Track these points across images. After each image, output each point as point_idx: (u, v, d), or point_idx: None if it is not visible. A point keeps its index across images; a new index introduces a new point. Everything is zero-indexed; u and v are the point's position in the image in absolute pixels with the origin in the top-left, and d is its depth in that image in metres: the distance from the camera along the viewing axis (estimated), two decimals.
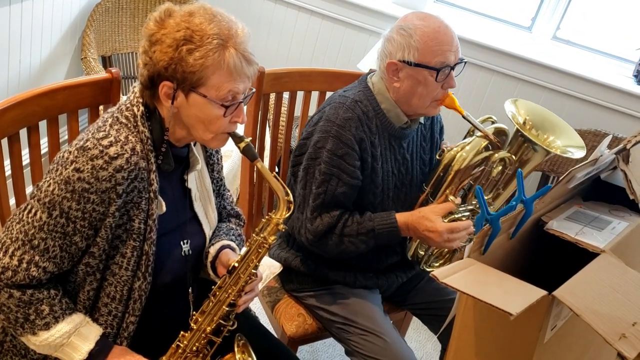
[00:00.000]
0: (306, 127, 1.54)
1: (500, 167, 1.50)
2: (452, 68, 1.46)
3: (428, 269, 1.64)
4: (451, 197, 1.49)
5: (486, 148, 1.49)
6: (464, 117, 1.47)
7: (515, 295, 0.92)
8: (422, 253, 1.62)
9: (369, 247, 1.51)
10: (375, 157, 1.50)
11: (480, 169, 1.51)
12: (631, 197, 1.20)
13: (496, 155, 1.48)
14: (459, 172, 1.48)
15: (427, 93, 1.46)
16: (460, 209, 1.52)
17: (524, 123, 1.54)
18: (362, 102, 1.49)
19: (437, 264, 1.65)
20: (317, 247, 1.52)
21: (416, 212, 1.50)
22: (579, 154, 1.49)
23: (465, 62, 1.50)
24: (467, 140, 1.51)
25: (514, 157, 1.49)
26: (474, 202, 1.54)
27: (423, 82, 1.44)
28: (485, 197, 1.54)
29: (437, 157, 1.54)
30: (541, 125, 1.55)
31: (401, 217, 1.49)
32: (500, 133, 1.53)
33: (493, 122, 1.56)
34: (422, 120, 1.60)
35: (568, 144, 1.52)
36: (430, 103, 1.48)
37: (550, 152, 1.48)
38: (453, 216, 1.51)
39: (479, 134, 1.48)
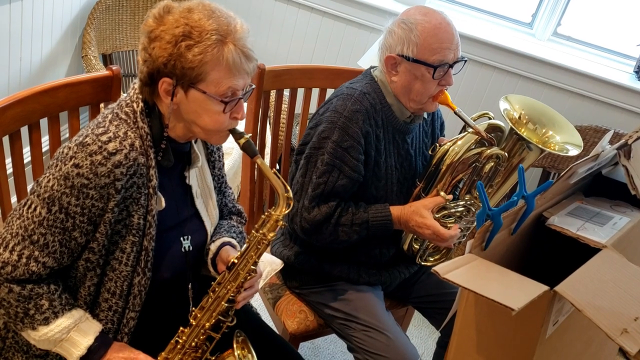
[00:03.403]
0: (312, 119, 1.54)
1: (492, 164, 1.49)
2: (451, 66, 1.45)
3: (424, 264, 1.64)
4: (442, 193, 1.49)
5: (481, 144, 1.49)
6: (455, 113, 1.47)
7: (516, 290, 0.92)
8: (417, 247, 1.61)
9: (361, 238, 1.52)
10: (379, 151, 1.50)
11: (473, 165, 1.50)
12: (633, 192, 1.20)
13: (488, 151, 1.47)
14: (451, 166, 1.47)
15: (424, 89, 1.46)
16: (452, 204, 1.52)
17: (520, 118, 1.53)
18: (370, 94, 1.49)
19: (433, 259, 1.65)
20: (311, 235, 1.51)
21: (407, 207, 1.50)
22: (574, 152, 1.48)
23: (466, 61, 1.49)
24: (460, 135, 1.51)
25: (505, 154, 1.49)
26: (467, 198, 1.54)
27: (420, 78, 1.44)
28: (478, 194, 1.54)
29: (430, 152, 1.54)
30: (538, 119, 1.54)
31: (394, 210, 1.50)
32: (495, 129, 1.52)
33: (490, 119, 1.55)
34: (425, 115, 1.59)
35: (566, 141, 1.52)
36: (427, 99, 1.48)
37: (545, 150, 1.47)
38: (446, 212, 1.51)
39: (471, 129, 1.48)
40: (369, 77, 1.54)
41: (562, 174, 1.14)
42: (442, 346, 1.77)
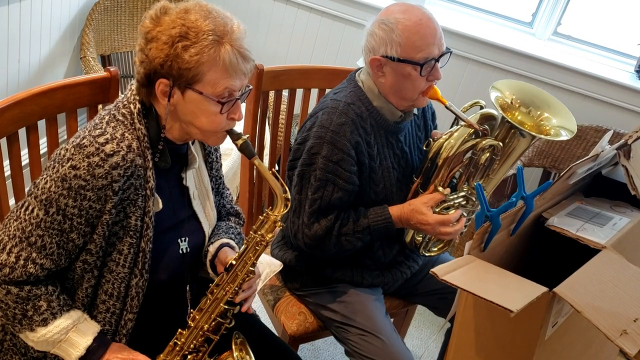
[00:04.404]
0: (300, 133, 1.53)
1: (487, 154, 1.48)
2: (437, 60, 1.43)
3: (427, 254, 1.64)
4: (440, 188, 1.49)
5: (475, 134, 1.48)
6: (447, 107, 1.45)
7: (515, 292, 0.92)
8: (420, 239, 1.61)
9: (366, 243, 1.52)
10: (373, 156, 1.49)
11: (468, 156, 1.50)
12: (632, 192, 1.20)
13: (483, 142, 1.46)
14: (447, 160, 1.46)
15: (413, 87, 1.44)
16: (451, 197, 1.51)
17: (512, 102, 1.52)
18: (355, 103, 1.48)
19: (436, 249, 1.64)
20: (315, 250, 1.52)
21: (407, 205, 1.50)
22: (566, 137, 1.46)
23: (451, 53, 1.47)
24: (454, 128, 1.50)
25: (500, 144, 1.48)
26: (465, 188, 1.53)
27: (408, 76, 1.43)
28: (477, 195, 1.54)
29: (425, 147, 1.53)
30: (531, 102, 1.53)
31: (394, 210, 1.50)
32: (488, 118, 1.51)
33: (481, 107, 1.54)
34: (415, 110, 1.58)
35: (562, 125, 1.49)
36: (417, 96, 1.47)
37: (536, 136, 1.46)
38: (446, 204, 1.51)
39: (464, 122, 1.47)
40: (353, 84, 1.52)
41: (561, 174, 1.13)
42: (449, 336, 1.76)
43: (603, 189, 1.31)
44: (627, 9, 2.67)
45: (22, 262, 1.10)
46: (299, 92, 1.89)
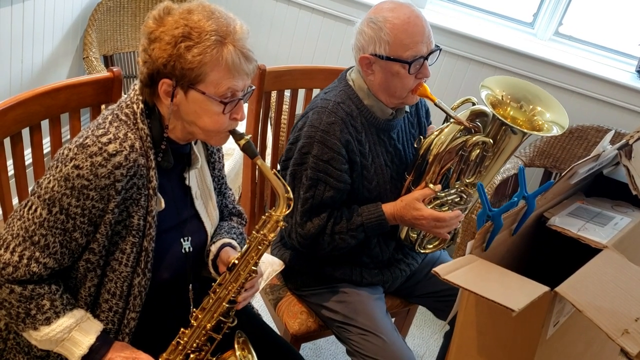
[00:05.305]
0: (292, 133, 1.54)
1: (477, 151, 1.49)
2: (426, 58, 1.44)
3: (423, 251, 1.64)
4: (430, 185, 1.49)
5: (467, 131, 1.48)
6: (436, 104, 1.46)
7: (517, 291, 0.92)
8: (415, 236, 1.61)
9: (360, 241, 1.52)
10: (364, 154, 1.50)
11: (459, 153, 1.50)
12: (634, 192, 1.20)
13: (473, 139, 1.47)
14: (438, 156, 1.46)
15: (402, 85, 1.45)
16: (443, 193, 1.51)
17: (503, 99, 1.52)
18: (345, 102, 1.48)
19: (432, 246, 1.65)
20: (310, 248, 1.52)
21: (399, 202, 1.50)
22: (557, 132, 1.46)
23: (440, 50, 1.47)
24: (444, 125, 1.50)
25: (490, 140, 1.48)
26: (457, 185, 1.54)
27: (396, 74, 1.43)
28: (468, 180, 1.54)
29: (415, 145, 1.53)
30: (523, 97, 1.53)
31: (387, 207, 1.50)
32: (480, 114, 1.51)
33: (473, 104, 1.54)
34: (407, 108, 1.59)
35: (555, 120, 1.49)
36: (407, 94, 1.47)
37: (527, 133, 1.46)
38: (439, 201, 1.51)
39: (453, 120, 1.47)
40: (343, 83, 1.53)
41: (563, 174, 1.14)
42: (448, 339, 1.76)
43: (604, 189, 1.31)
44: (628, 9, 2.67)
45: (25, 261, 1.10)
46: (301, 92, 1.90)
